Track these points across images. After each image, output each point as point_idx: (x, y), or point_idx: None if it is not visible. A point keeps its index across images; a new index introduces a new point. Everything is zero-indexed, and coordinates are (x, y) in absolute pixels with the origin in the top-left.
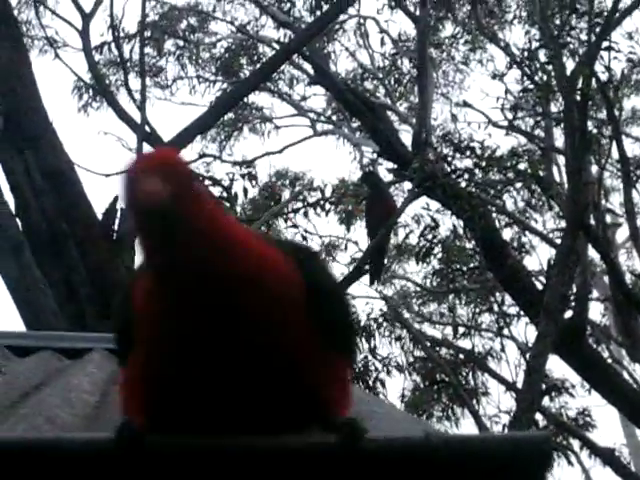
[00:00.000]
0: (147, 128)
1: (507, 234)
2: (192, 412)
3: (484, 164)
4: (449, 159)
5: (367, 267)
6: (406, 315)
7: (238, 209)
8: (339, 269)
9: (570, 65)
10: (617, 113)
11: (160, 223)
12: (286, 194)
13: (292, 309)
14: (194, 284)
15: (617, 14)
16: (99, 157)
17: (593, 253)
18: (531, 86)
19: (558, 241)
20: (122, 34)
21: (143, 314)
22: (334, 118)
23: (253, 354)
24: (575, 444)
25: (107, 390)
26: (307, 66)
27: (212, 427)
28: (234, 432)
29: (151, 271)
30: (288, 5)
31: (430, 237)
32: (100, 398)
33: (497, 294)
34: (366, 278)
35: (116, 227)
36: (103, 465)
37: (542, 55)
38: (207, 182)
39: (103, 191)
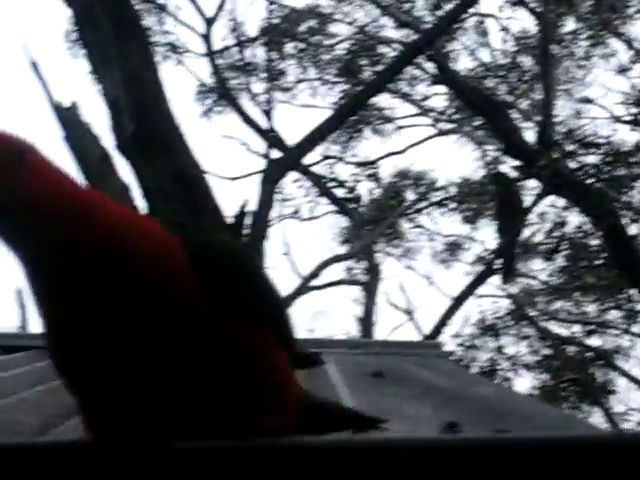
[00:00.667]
0: (270, 130)
1: (634, 230)
2: (121, 417)
3: (610, 160)
4: (574, 156)
5: (498, 266)
6: (532, 313)
7: (362, 210)
8: (463, 268)
9: None
10: None
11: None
12: (409, 194)
13: (171, 281)
14: (58, 264)
15: None
16: (223, 161)
17: None
18: None
19: None
20: (244, 38)
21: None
22: (456, 117)
23: (143, 340)
24: None
25: None
26: (427, 65)
27: (148, 430)
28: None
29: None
30: (408, 5)
31: (557, 234)
32: None
33: (625, 291)
34: (492, 277)
35: (246, 230)
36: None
37: None
38: (332, 183)
39: (229, 195)
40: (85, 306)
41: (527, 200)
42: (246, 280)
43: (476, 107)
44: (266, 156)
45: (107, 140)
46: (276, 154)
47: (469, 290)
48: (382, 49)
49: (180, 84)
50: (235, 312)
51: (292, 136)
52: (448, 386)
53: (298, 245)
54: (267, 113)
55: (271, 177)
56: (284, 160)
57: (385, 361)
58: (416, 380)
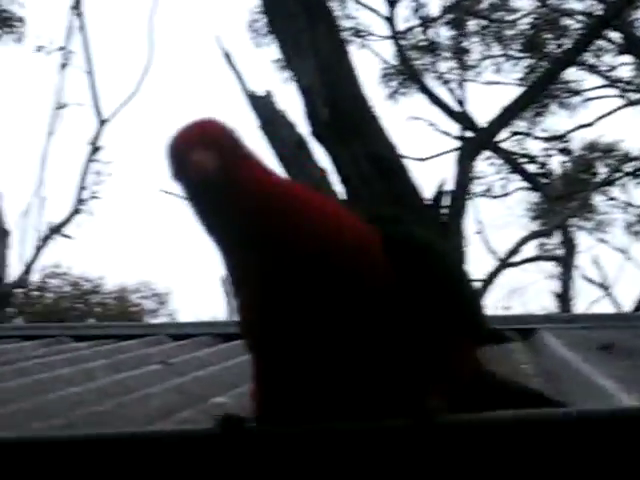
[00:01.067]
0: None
1: None
2: (297, 396)
3: None
4: None
5: None
6: None
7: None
8: None
9: None
10: None
11: (214, 195)
12: (600, 167)
13: (372, 273)
14: (263, 255)
15: None
16: (409, 143)
17: None
18: None
19: None
20: (426, 18)
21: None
22: None
23: (340, 326)
24: None
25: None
26: (613, 35)
27: (317, 410)
28: (332, 415)
29: (218, 249)
30: None
31: None
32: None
33: None
34: None
35: (444, 211)
36: (207, 454)
37: None
38: (523, 159)
39: (419, 176)
40: (282, 289)
41: None
42: (438, 273)
43: None
44: (459, 136)
45: (302, 127)
46: (466, 133)
47: None
48: (566, 21)
49: (364, 68)
50: (423, 300)
51: (479, 114)
52: None
53: (491, 223)
54: (453, 92)
55: (466, 156)
56: (478, 138)
57: (611, 333)
58: None
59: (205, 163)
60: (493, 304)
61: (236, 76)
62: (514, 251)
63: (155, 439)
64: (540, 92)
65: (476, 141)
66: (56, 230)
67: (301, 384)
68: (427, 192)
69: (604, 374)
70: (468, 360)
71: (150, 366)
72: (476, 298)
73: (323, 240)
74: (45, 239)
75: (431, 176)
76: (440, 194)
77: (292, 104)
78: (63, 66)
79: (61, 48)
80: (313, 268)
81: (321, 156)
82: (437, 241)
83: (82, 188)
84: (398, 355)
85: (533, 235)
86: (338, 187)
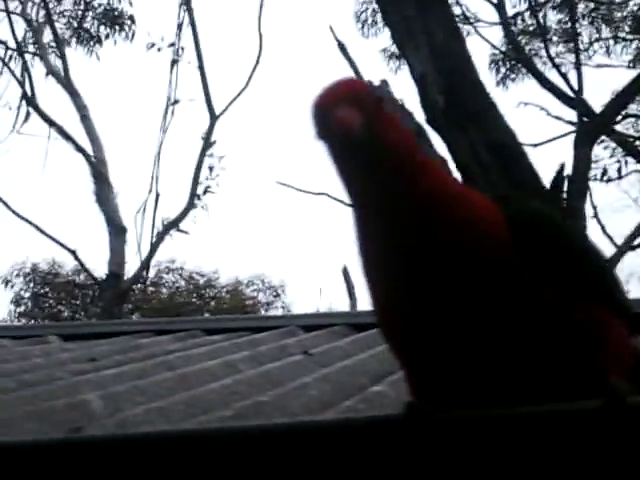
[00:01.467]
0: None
1: None
2: (454, 383)
3: None
4: None
5: None
6: None
7: None
8: None
9: None
10: None
11: (359, 153)
12: None
13: (492, 248)
14: (405, 228)
15: None
16: (521, 129)
17: None
18: None
19: None
20: (534, 2)
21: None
22: None
23: (480, 306)
24: None
25: None
26: None
27: (476, 398)
28: (496, 401)
29: (360, 211)
30: None
31: None
32: None
33: None
34: None
35: (565, 196)
36: (394, 443)
37: None
38: (637, 142)
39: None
40: (422, 269)
41: None
42: (565, 247)
43: None
44: (572, 122)
45: (419, 115)
46: (582, 117)
47: None
48: None
49: (474, 54)
50: (556, 279)
51: (590, 97)
52: None
53: (606, 207)
54: (565, 76)
55: (584, 140)
56: (595, 123)
57: None
58: None
59: (350, 120)
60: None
61: (351, 66)
62: (634, 235)
63: (335, 427)
64: None
65: (593, 125)
66: (171, 226)
67: (453, 373)
68: (545, 178)
69: None
70: (626, 338)
71: (292, 357)
72: (610, 272)
73: (465, 222)
74: (161, 235)
75: (544, 162)
76: (560, 179)
77: (408, 93)
78: (174, 62)
79: (171, 44)
80: (454, 250)
81: (439, 145)
82: (561, 216)
83: (196, 183)
84: (553, 335)
85: None
86: (457, 175)
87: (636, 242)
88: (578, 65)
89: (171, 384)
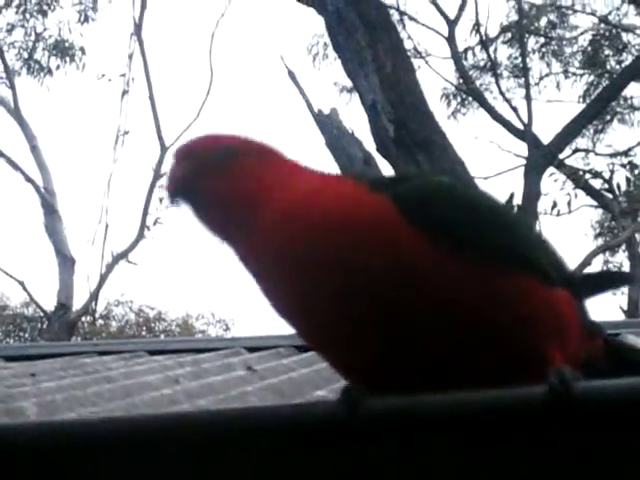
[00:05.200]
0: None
1: None
2: (391, 376)
3: None
4: None
5: None
6: None
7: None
8: None
9: None
10: None
11: (185, 202)
12: None
13: (383, 240)
14: (276, 261)
15: None
16: (472, 162)
17: None
18: None
19: None
20: (485, 37)
21: None
22: None
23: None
24: None
25: None
26: None
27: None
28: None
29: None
30: None
31: None
32: None
33: None
34: None
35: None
36: (323, 430)
37: None
38: (587, 176)
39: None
40: (313, 289)
41: None
42: (469, 215)
43: None
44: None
45: (370, 144)
46: (532, 150)
47: None
48: (626, 37)
49: (425, 87)
50: (468, 250)
51: (541, 131)
52: None
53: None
54: (516, 110)
55: (533, 171)
56: (544, 155)
57: None
58: None
59: (176, 173)
60: None
61: (301, 94)
62: (583, 265)
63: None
64: (602, 108)
65: (541, 157)
66: (121, 257)
67: (388, 366)
68: None
69: None
70: (569, 309)
71: (235, 372)
72: (542, 242)
73: (330, 235)
74: (110, 266)
75: (496, 195)
76: (509, 208)
77: (358, 122)
78: (124, 93)
79: (122, 75)
80: (340, 260)
81: (388, 172)
82: (465, 186)
83: (146, 214)
84: (473, 312)
85: (599, 250)
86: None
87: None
88: (528, 98)
89: (110, 395)
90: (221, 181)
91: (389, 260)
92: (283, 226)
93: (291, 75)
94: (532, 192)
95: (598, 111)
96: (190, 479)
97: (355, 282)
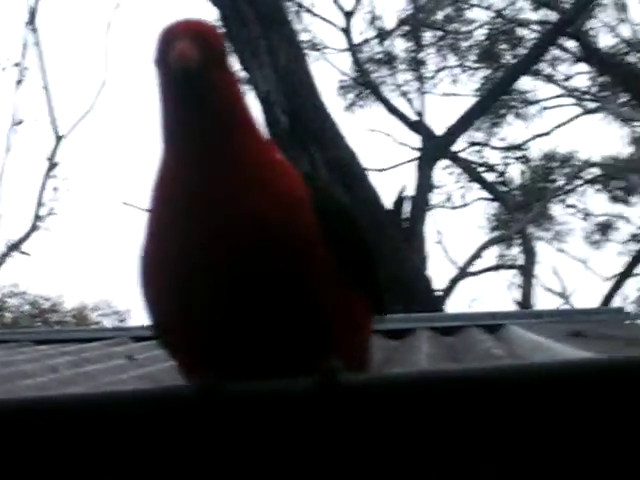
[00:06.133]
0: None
1: None
2: (212, 354)
3: None
4: None
5: None
6: None
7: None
8: (616, 248)
9: None
10: None
11: (189, 86)
12: (558, 175)
13: (302, 230)
14: (202, 163)
15: None
16: (369, 154)
17: None
18: None
19: None
20: (382, 30)
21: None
22: (601, 95)
23: (258, 275)
24: None
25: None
26: (569, 44)
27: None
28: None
29: (169, 153)
30: None
31: None
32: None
33: None
34: None
35: (405, 216)
36: (183, 416)
37: None
38: (481, 169)
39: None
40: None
41: None
42: (365, 259)
43: (621, 83)
44: (419, 147)
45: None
46: (425, 142)
47: (628, 269)
48: (522, 32)
49: (322, 79)
50: (350, 285)
51: (437, 124)
52: None
53: (451, 233)
54: (411, 103)
55: (425, 163)
56: (436, 146)
57: (575, 325)
58: (617, 336)
59: (189, 52)
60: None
61: None
62: (473, 258)
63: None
64: (493, 101)
65: (434, 149)
66: (14, 248)
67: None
68: (388, 200)
69: (578, 349)
70: (367, 326)
71: (115, 361)
72: (377, 267)
73: (276, 195)
74: (2, 257)
75: (391, 187)
76: (400, 200)
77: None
78: (19, 82)
79: (16, 64)
80: (257, 218)
81: None
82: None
83: (39, 205)
84: (297, 311)
85: (491, 242)
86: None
87: (479, 267)
88: (421, 91)
89: None
90: (227, 81)
91: (289, 239)
92: (235, 186)
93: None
94: (424, 184)
95: (489, 105)
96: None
97: (242, 249)
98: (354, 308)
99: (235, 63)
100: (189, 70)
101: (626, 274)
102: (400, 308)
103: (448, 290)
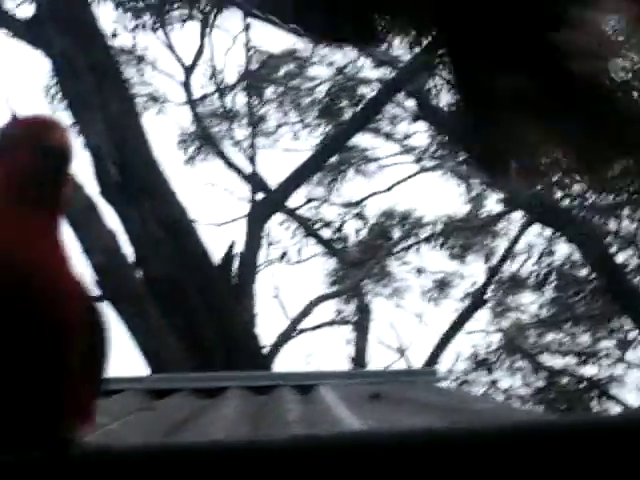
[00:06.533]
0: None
1: (623, 257)
2: None
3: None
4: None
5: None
6: (524, 346)
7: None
8: (453, 305)
9: None
10: None
11: (61, 166)
12: (396, 232)
13: (75, 328)
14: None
15: None
16: (208, 208)
17: None
18: None
19: None
20: (223, 85)
21: None
22: (439, 153)
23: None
24: None
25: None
26: (408, 104)
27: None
28: None
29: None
30: (385, 45)
31: (545, 265)
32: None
33: (616, 319)
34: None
35: (235, 273)
36: None
37: None
38: (318, 225)
39: (216, 241)
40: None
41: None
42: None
43: (459, 142)
44: (251, 201)
45: (91, 188)
46: (255, 198)
47: (458, 325)
48: (362, 89)
49: (162, 133)
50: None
51: (276, 180)
52: (447, 403)
53: (288, 288)
54: (251, 158)
55: (257, 219)
56: (269, 202)
57: (381, 387)
58: (413, 399)
59: (67, 140)
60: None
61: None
62: (303, 314)
63: None
64: (328, 157)
65: (266, 204)
66: None
67: None
68: (218, 256)
69: (356, 415)
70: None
71: None
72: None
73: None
74: None
75: (226, 241)
76: (230, 256)
77: (80, 165)
78: None
79: None
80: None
81: (111, 217)
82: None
83: None
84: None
85: (321, 298)
86: (128, 248)
87: (313, 324)
88: (255, 146)
89: None
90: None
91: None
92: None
93: (15, 118)
94: (254, 240)
95: (323, 160)
96: None
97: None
98: (85, 391)
99: (67, 116)
100: (65, 152)
101: (454, 330)
102: (219, 367)
103: (277, 346)
